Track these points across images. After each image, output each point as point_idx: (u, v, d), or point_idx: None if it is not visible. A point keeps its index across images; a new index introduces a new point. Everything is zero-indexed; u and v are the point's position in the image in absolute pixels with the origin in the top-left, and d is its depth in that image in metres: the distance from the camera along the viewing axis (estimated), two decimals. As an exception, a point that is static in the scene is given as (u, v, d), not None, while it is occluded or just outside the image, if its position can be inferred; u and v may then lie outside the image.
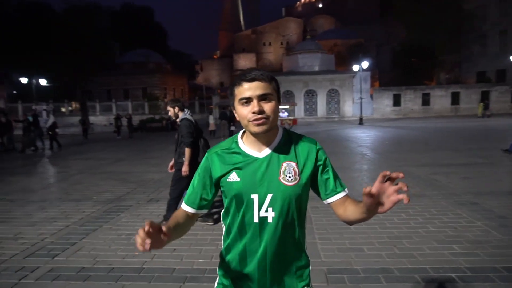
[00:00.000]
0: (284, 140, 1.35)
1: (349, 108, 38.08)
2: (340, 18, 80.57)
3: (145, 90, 49.37)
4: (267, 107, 1.24)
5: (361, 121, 27.58)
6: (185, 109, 4.89)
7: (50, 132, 15.59)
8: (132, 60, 52.51)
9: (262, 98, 1.24)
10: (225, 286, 1.38)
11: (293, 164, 1.30)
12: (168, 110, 4.79)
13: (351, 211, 1.28)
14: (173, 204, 4.54)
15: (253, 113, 1.23)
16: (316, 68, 42.26)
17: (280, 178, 1.28)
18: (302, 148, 1.34)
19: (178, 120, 4.71)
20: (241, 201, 1.30)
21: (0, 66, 39.92)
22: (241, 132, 1.40)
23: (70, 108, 47.59)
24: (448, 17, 37.48)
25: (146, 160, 11.16)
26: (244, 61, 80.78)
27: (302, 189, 1.31)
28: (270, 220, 1.28)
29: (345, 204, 1.32)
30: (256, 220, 1.29)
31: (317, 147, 1.36)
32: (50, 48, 33.42)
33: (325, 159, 1.36)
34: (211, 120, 19.99)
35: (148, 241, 1.02)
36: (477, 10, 40.35)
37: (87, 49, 33.60)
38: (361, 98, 30.10)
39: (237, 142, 1.37)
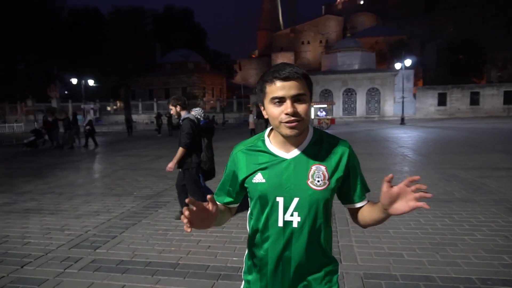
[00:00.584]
0: (314, 141, 1.27)
1: (390, 107, 36.83)
2: (382, 15, 78.03)
3: (185, 89, 50.72)
4: (301, 108, 1.17)
5: (402, 121, 26.56)
6: (194, 108, 4.93)
7: (87, 130, 16.10)
8: (173, 60, 54.13)
9: (296, 99, 1.16)
10: None
11: (323, 168, 1.23)
12: (170, 109, 4.78)
13: (368, 211, 1.28)
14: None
15: (286, 114, 1.15)
16: (356, 67, 41.25)
17: (309, 182, 1.21)
18: (334, 150, 1.27)
19: (180, 119, 4.71)
20: (266, 204, 1.25)
21: (54, 68, 42.79)
22: (268, 129, 1.33)
23: (115, 107, 49.97)
24: (501, 9, 35.01)
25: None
26: (283, 60, 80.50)
27: (331, 193, 1.25)
28: (295, 224, 1.22)
29: (363, 208, 1.31)
30: (280, 224, 1.23)
31: (349, 150, 1.28)
32: (98, 50, 35.31)
33: (356, 164, 1.30)
34: (251, 119, 20.07)
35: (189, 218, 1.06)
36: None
37: (131, 51, 35.12)
38: (403, 97, 28.96)
39: (263, 141, 1.30)
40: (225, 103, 47.06)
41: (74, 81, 33.10)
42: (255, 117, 19.73)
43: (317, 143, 1.27)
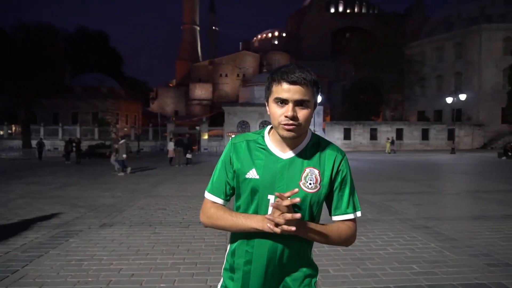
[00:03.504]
0: (311, 144, 1.29)
1: (303, 140, 39.24)
2: (295, 55, 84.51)
3: (96, 115, 47.36)
4: (302, 114, 1.18)
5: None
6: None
7: None
8: (84, 83, 50.53)
9: (298, 103, 1.17)
10: None
11: (316, 171, 1.24)
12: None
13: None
14: None
15: (286, 117, 1.16)
16: (272, 101, 43.45)
17: (301, 183, 1.22)
18: (328, 156, 1.28)
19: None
20: (256, 200, 1.24)
21: None
22: (268, 127, 1.34)
23: (9, 131, 44.29)
24: (394, 59, 40.87)
25: (97, 185, 10.53)
26: (201, 91, 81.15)
27: (321, 198, 1.26)
28: None
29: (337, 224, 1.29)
30: None
31: (342, 158, 1.29)
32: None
33: (347, 172, 1.29)
34: (170, 147, 19.48)
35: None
36: (417, 55, 44.56)
37: (34, 70, 31.94)
38: (314, 131, 31.15)
39: (263, 137, 1.31)
40: (141, 131, 45.08)
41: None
42: (174, 145, 19.27)
43: (313, 146, 1.28)
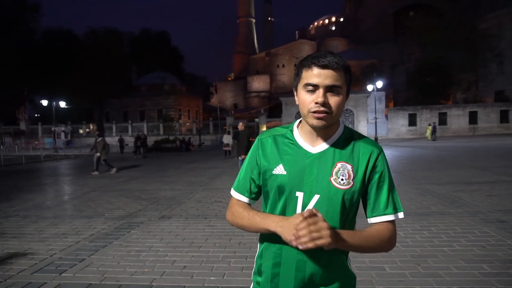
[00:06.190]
0: (344, 137, 1.18)
1: (363, 128, 37.69)
2: (354, 40, 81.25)
3: (161, 112, 50.22)
4: (333, 100, 1.09)
5: (376, 141, 27.20)
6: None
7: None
8: (149, 82, 53.75)
9: (329, 89, 1.08)
10: None
11: (349, 167, 1.14)
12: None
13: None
14: None
15: (316, 103, 1.08)
16: (330, 89, 42.30)
17: (332, 178, 1.12)
18: (363, 150, 1.17)
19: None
20: (283, 198, 1.16)
21: (25, 89, 41.51)
22: (298, 120, 1.26)
23: (87, 129, 48.70)
24: (465, 36, 37.22)
25: (160, 178, 11.13)
26: (258, 83, 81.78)
27: (355, 196, 1.14)
28: None
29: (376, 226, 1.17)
30: None
31: (380, 153, 1.18)
32: (71, 71, 34.60)
33: (385, 169, 1.18)
34: (226, 140, 19.91)
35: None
36: (493, 29, 40.09)
37: (106, 73, 34.64)
38: (376, 118, 29.80)
39: (292, 131, 1.23)
40: (201, 125, 46.84)
41: (44, 102, 32.15)
42: (232, 138, 19.67)
43: (346, 140, 1.18)
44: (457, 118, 35.92)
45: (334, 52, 1.12)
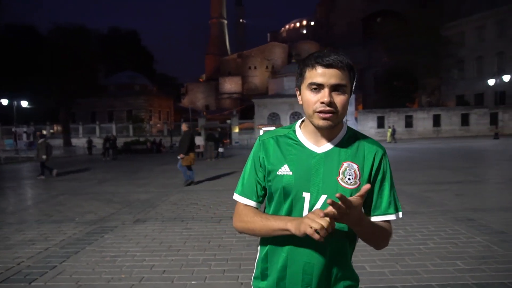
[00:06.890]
0: (347, 137, 1.17)
1: (334, 130, 38.56)
2: (324, 43, 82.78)
3: (130, 112, 48.98)
4: (339, 100, 1.07)
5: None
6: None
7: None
8: (118, 82, 52.29)
9: (335, 88, 1.07)
10: None
11: (355, 166, 1.13)
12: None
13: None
14: None
15: (322, 103, 1.06)
16: (302, 91, 42.92)
17: (339, 178, 1.11)
18: (368, 150, 1.16)
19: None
20: (289, 199, 1.12)
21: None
22: (299, 120, 1.24)
23: (52, 130, 46.66)
24: (429, 42, 38.89)
25: (132, 181, 10.81)
26: (230, 84, 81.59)
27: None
28: None
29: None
30: None
31: (383, 153, 1.18)
32: (34, 69, 33.00)
33: (388, 169, 1.18)
34: (198, 141, 19.68)
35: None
36: (456, 36, 42.18)
37: (72, 71, 33.32)
38: (346, 120, 30.53)
39: (294, 131, 1.21)
40: (173, 126, 46.08)
41: (4, 102, 30.41)
42: (205, 140, 19.47)
43: (350, 139, 1.17)
44: (422, 121, 37.42)
45: (337, 51, 1.10)
